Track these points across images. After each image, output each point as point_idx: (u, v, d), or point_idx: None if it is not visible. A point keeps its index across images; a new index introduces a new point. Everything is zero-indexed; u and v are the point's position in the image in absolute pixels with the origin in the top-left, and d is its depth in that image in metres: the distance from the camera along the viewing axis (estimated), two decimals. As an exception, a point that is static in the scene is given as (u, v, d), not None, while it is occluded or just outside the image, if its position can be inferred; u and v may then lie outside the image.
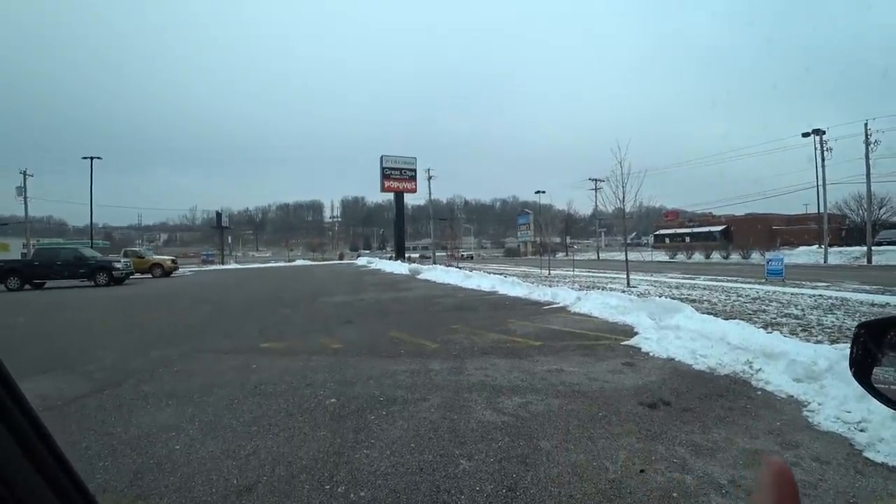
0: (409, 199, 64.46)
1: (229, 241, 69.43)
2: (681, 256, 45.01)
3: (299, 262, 52.17)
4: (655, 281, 17.63)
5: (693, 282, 17.22)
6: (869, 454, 3.07)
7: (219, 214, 60.23)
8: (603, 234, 65.50)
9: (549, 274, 22.32)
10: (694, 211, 72.61)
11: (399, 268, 27.60)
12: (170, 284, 21.85)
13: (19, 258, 24.21)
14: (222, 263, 50.59)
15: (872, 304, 9.99)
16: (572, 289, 12.54)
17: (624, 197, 15.52)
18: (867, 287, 13.78)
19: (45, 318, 11.53)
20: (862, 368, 0.82)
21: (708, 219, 66.26)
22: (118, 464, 3.16)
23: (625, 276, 16.70)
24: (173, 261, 29.91)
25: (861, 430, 3.34)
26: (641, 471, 2.92)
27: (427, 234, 77.74)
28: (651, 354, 5.85)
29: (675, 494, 2.64)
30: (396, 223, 54.44)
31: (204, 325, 9.42)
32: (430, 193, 55.48)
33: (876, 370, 0.82)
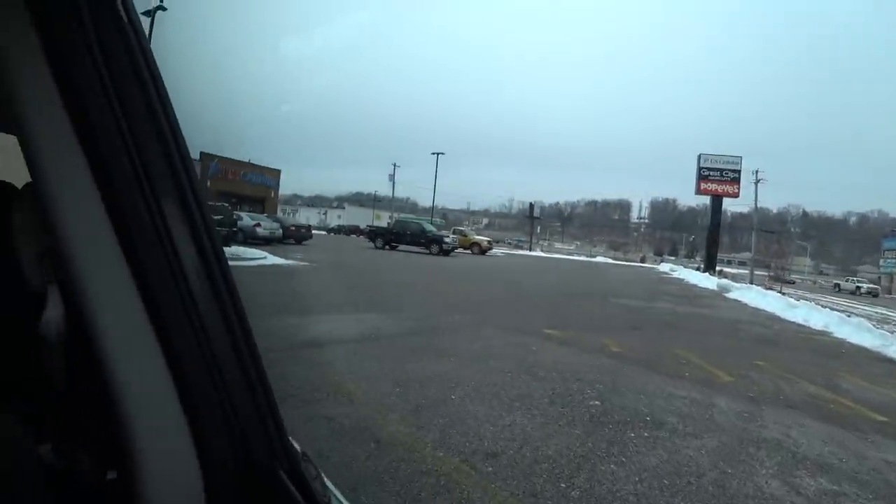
0: (729, 205, 55.13)
1: (538, 230, 74.38)
2: None
3: (599, 259, 51.78)
4: None
5: None
6: None
7: (531, 206, 65.11)
8: None
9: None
10: None
11: (705, 281, 24.25)
12: (483, 262, 24.86)
13: (384, 226, 31.67)
14: (529, 250, 54.58)
15: None
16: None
17: None
18: None
19: (392, 271, 14.79)
20: None
21: None
22: (406, 395, 3.84)
23: None
24: (489, 242, 34.06)
25: None
26: None
27: (746, 248, 65.94)
28: None
29: None
30: (710, 231, 46.11)
31: (499, 300, 10.39)
32: (755, 199, 45.71)
33: None
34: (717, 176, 43.32)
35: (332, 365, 4.57)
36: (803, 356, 7.76)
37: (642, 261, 61.39)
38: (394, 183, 59.91)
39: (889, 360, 8.22)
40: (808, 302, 16.49)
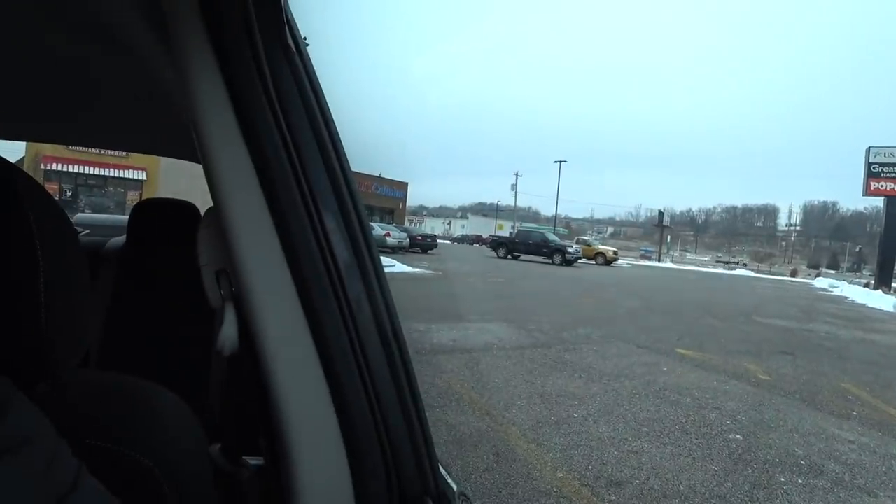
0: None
1: (667, 239, 68.49)
2: None
3: (739, 272, 45.98)
4: None
5: None
6: None
7: (661, 213, 60.24)
8: None
9: None
10: None
11: (878, 300, 20.12)
12: (608, 273, 23.55)
13: (507, 235, 31.43)
14: (658, 261, 50.54)
15: None
16: None
17: None
18: None
19: (515, 282, 14.69)
20: None
21: None
22: (528, 409, 3.78)
23: None
24: (615, 252, 32.15)
25: None
26: None
27: (938, 264, 53.51)
28: None
29: None
30: (884, 240, 36.71)
31: (627, 314, 9.75)
32: None
33: None
34: (893, 172, 35.27)
35: (457, 373, 4.67)
36: None
37: (793, 274, 52.95)
38: (516, 192, 59.65)
39: None
40: None
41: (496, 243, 27.48)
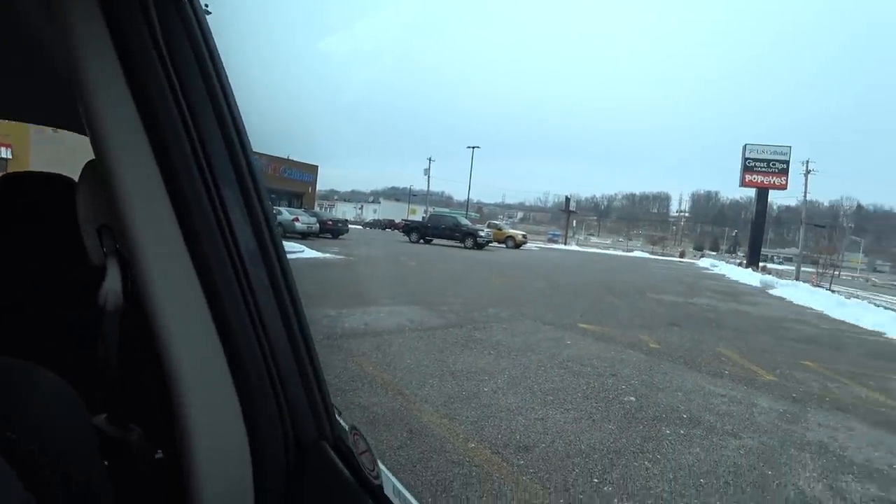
0: (776, 198, 52.53)
1: (573, 224, 73.17)
2: None
3: (636, 254, 50.53)
4: None
5: None
6: None
7: (567, 199, 64.03)
8: None
9: None
10: None
11: (748, 277, 23.29)
12: (517, 256, 24.69)
13: (419, 220, 31.61)
14: (564, 244, 53.89)
15: None
16: None
17: None
18: None
19: (427, 265, 14.93)
20: None
21: None
22: (440, 387, 3.90)
23: None
24: (524, 235, 33.75)
25: None
26: None
27: (793, 243, 62.94)
28: None
29: None
30: (754, 225, 43.56)
31: (534, 295, 10.33)
32: (805, 192, 42.78)
33: None
34: (764, 167, 41.37)
35: (369, 356, 4.68)
36: (852, 356, 7.41)
37: (681, 256, 59.47)
38: (429, 177, 60.31)
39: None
40: (861, 301, 15.61)
41: (409, 228, 27.59)
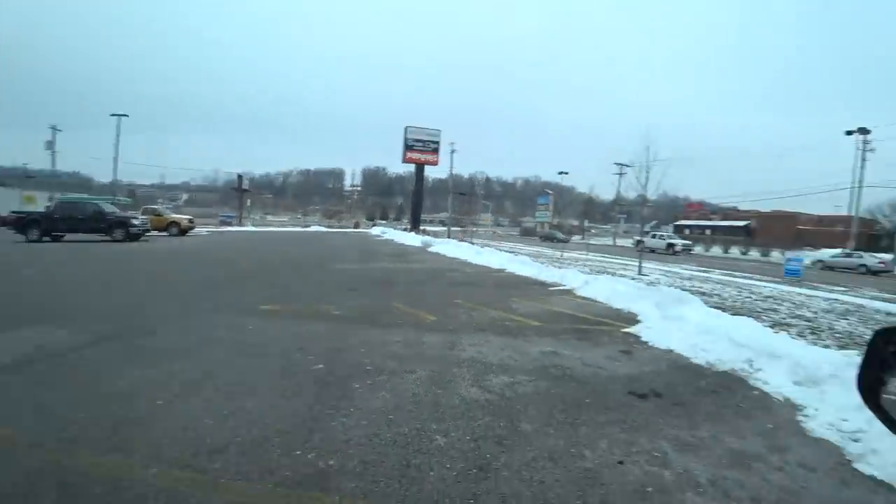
0: (431, 172, 64.44)
1: (248, 203, 69.90)
2: (699, 248, 44.11)
3: (314, 229, 52.27)
4: (668, 271, 17.35)
5: (707, 275, 16.93)
6: (859, 465, 2.93)
7: (240, 177, 60.30)
8: (622, 220, 64.20)
9: (562, 256, 22.12)
10: (718, 204, 70.79)
11: (412, 239, 27.54)
12: (184, 243, 22.04)
13: (41, 211, 24.27)
14: (239, 225, 51.06)
15: (888, 314, 9.71)
16: (581, 272, 12.37)
17: (647, 183, 15.29)
18: (886, 295, 13.46)
19: (55, 269, 11.78)
20: (871, 381, 0.69)
21: (732, 213, 64.51)
22: (100, 415, 3.17)
23: (637, 264, 16.42)
24: (190, 220, 30.09)
25: (855, 441, 3.18)
26: (620, 462, 2.83)
27: (444, 209, 77.35)
28: (650, 344, 5.72)
29: (650, 489, 2.56)
30: (414, 195, 54.64)
31: (206, 283, 9.50)
32: (451, 167, 54.69)
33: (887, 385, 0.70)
34: (421, 146, 52.00)
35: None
36: (488, 290, 9.78)
37: (356, 226, 64.96)
38: (54, 152, 45.14)
39: (541, 283, 11.12)
40: (491, 248, 20.71)
41: (26, 222, 20.42)
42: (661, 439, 3.17)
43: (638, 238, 34.10)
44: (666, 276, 14.75)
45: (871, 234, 43.83)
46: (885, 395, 0.67)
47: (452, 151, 53.02)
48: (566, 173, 65.56)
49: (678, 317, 6.62)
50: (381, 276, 11.46)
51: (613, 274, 13.34)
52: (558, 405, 3.67)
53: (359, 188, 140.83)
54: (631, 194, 18.63)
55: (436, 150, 52.50)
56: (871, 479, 2.81)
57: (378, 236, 36.00)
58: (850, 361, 4.20)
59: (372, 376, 4.09)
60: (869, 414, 2.60)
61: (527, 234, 68.39)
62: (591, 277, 10.85)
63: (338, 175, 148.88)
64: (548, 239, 31.17)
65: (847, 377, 3.86)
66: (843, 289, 14.94)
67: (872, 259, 28.59)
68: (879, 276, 25.60)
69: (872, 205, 45.47)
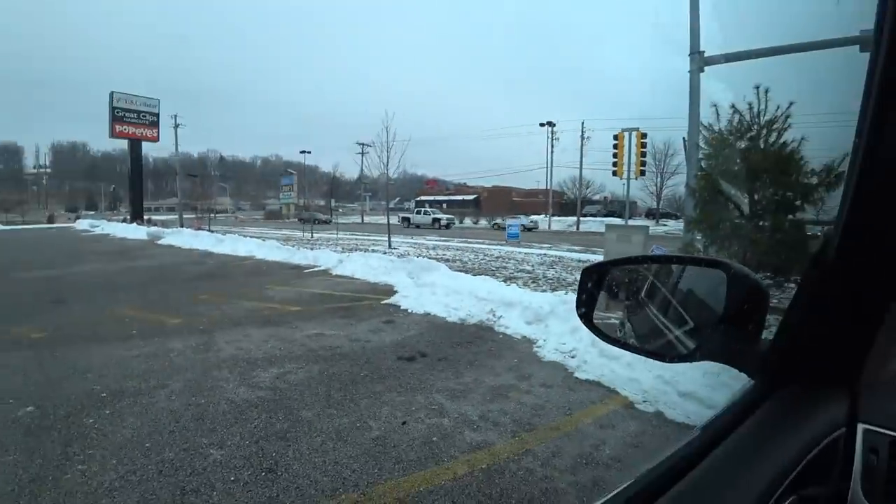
0: (151, 151, 54.30)
1: None
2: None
3: (-17, 229, 39.52)
4: (415, 243, 18.88)
5: (448, 244, 19.03)
6: (578, 374, 3.91)
7: None
8: (368, 198, 66.82)
9: (313, 237, 21.85)
10: (452, 181, 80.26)
11: (135, 232, 23.20)
12: None
13: None
14: None
15: (580, 261, 12.65)
16: (335, 251, 12.48)
17: (388, 162, 16.13)
18: (577, 248, 17.48)
19: None
20: (585, 308, 0.86)
21: (463, 189, 73.66)
22: None
23: (387, 239, 17.39)
24: None
25: (572, 357, 4.18)
26: (404, 423, 3.00)
27: (173, 193, 67.46)
28: (410, 311, 6.17)
29: (434, 439, 2.80)
30: (132, 178, 42.19)
31: None
32: (176, 144, 45.95)
33: (596, 309, 0.89)
34: (135, 118, 39.68)
35: None
36: (238, 280, 9.02)
37: (51, 220, 51.06)
38: None
39: (295, 267, 10.79)
40: (234, 235, 18.89)
41: None
42: (435, 393, 3.49)
43: (403, 216, 36.34)
44: (414, 248, 16.04)
45: (562, 203, 55.75)
46: (594, 316, 0.86)
47: (176, 126, 44.66)
48: (309, 152, 64.25)
49: (430, 283, 7.30)
50: (101, 281, 9.37)
51: (366, 250, 13.84)
52: (335, 385, 3.66)
53: (48, 170, 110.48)
54: (374, 173, 19.45)
55: (154, 124, 41.49)
56: (588, 381, 3.79)
57: (88, 231, 29.06)
58: (562, 299, 5.41)
59: (110, 404, 3.34)
60: (578, 335, 3.44)
61: (272, 217, 65.29)
62: (345, 256, 11.04)
63: (13, 152, 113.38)
64: (308, 221, 30.24)
65: (560, 312, 4.95)
66: (548, 245, 18.78)
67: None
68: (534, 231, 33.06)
69: (561, 180, 57.98)
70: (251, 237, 18.00)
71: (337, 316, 5.93)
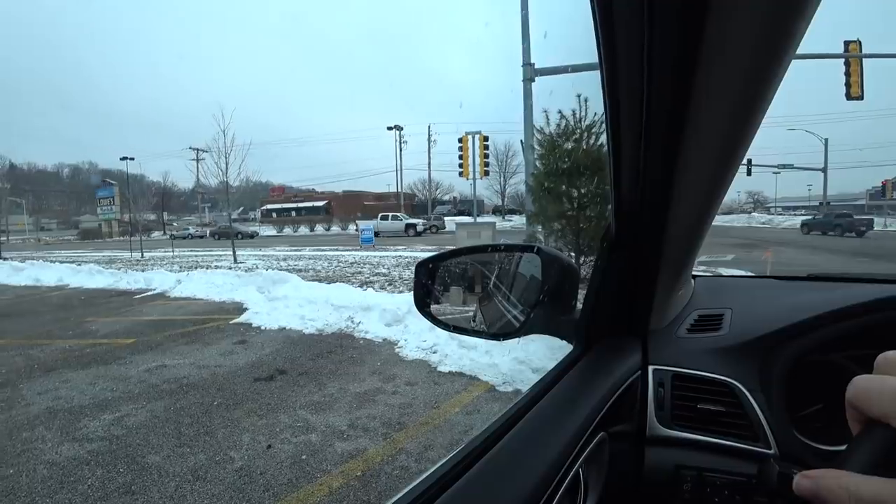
0: None
1: None
2: (288, 230, 46.81)
3: None
4: (264, 255, 17.81)
5: (300, 253, 18.29)
6: (441, 368, 4.10)
7: None
8: (207, 209, 60.98)
9: (143, 256, 19.37)
10: (299, 187, 76.77)
11: None
12: None
13: None
14: None
15: (416, 258, 13.19)
16: (171, 271, 11.24)
17: (227, 169, 14.95)
18: (431, 248, 18.03)
19: None
20: (422, 301, 0.94)
21: (312, 195, 71.08)
22: None
23: (231, 253, 16.13)
24: None
25: (434, 353, 4.35)
26: (269, 447, 2.86)
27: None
28: (263, 328, 5.83)
29: (304, 457, 2.71)
30: None
31: None
32: None
33: (452, 304, 0.97)
34: None
35: None
36: (47, 316, 7.58)
37: None
38: None
39: (124, 293, 9.47)
40: (36, 262, 15.78)
41: None
42: (299, 409, 3.37)
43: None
44: (262, 260, 15.12)
45: (413, 205, 56.99)
46: (429, 307, 0.95)
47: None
48: (132, 159, 56.25)
49: (282, 296, 6.98)
50: None
51: (208, 267, 12.71)
52: (185, 420, 3.33)
53: None
54: (212, 181, 17.74)
55: None
56: (450, 373, 4.00)
57: None
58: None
59: None
60: (438, 331, 3.54)
61: (90, 236, 55.91)
62: (184, 275, 10.02)
63: None
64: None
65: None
66: (403, 247, 19.10)
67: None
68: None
69: (412, 182, 59.25)
70: (63, 262, 15.26)
71: (180, 343, 5.37)
